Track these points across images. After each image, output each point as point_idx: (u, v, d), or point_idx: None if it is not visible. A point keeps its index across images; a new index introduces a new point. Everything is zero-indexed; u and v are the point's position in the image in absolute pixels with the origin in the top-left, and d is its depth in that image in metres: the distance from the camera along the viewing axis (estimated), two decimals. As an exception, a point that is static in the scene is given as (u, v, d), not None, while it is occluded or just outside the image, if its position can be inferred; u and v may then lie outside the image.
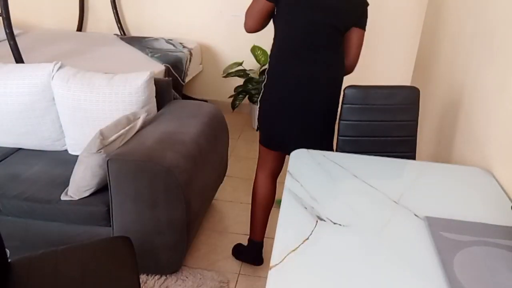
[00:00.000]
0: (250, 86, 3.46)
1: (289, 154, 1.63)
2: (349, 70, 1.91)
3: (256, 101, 3.52)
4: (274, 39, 1.85)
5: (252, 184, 2.10)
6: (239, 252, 2.17)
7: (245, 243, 2.18)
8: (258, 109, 1.95)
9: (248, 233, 2.14)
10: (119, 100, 2.01)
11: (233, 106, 3.51)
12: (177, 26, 3.73)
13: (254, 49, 3.45)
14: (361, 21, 1.83)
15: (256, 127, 1.99)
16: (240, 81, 3.57)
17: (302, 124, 1.85)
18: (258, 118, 1.95)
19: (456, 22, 2.33)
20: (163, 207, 1.77)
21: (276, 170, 2.02)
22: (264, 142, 1.95)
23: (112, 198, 1.78)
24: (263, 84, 1.90)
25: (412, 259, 1.10)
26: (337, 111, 1.88)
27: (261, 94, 1.92)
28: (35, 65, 2.15)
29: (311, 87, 1.79)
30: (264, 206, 2.02)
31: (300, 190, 1.39)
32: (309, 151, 1.68)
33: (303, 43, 1.77)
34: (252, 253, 2.11)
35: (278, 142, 1.91)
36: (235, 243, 2.22)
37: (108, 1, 3.70)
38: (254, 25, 1.81)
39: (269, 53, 1.95)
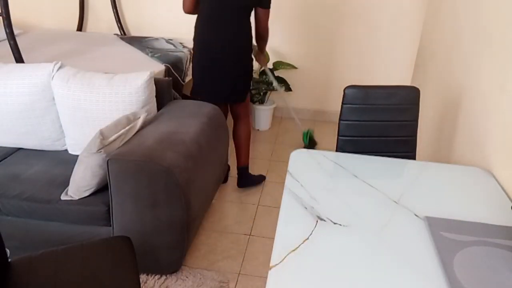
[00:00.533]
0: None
1: (217, 101, 2.42)
2: (262, 38, 2.54)
3: (257, 101, 3.54)
4: (197, 15, 2.41)
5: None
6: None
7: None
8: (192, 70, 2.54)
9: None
10: (119, 100, 2.01)
11: (233, 106, 3.51)
12: (177, 26, 3.73)
13: (254, 49, 3.45)
14: (263, 2, 2.34)
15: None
16: (240, 81, 3.56)
17: (219, 77, 2.43)
18: (192, 76, 2.56)
19: (456, 22, 2.33)
20: (163, 207, 1.77)
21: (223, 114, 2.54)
22: (202, 98, 2.47)
23: (112, 198, 1.78)
24: (192, 49, 2.53)
25: (412, 259, 1.10)
26: (248, 66, 2.49)
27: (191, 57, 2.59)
28: (35, 65, 2.15)
29: (221, 50, 2.37)
30: None
31: (300, 190, 1.39)
32: (309, 151, 1.68)
33: (216, 18, 2.34)
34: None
35: (207, 95, 2.47)
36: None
37: (108, 1, 3.69)
38: (188, 8, 2.37)
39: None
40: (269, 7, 2.37)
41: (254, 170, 2.97)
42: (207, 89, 2.48)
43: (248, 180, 2.74)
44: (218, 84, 2.45)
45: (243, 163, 2.68)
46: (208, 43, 2.39)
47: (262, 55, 2.72)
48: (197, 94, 2.52)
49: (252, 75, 2.55)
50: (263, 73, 3.46)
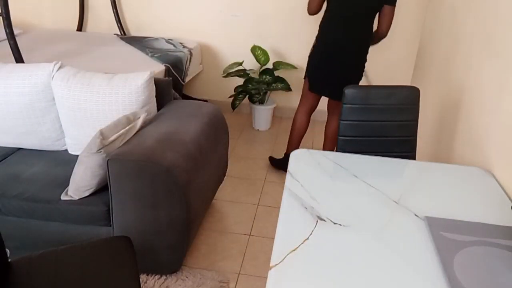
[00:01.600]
0: (250, 86, 3.46)
1: (324, 95, 2.72)
2: (381, 36, 2.55)
3: (256, 101, 3.54)
4: (325, 13, 2.56)
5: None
6: (275, 162, 3.03)
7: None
8: (307, 63, 2.70)
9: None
10: (119, 100, 2.01)
11: (233, 106, 3.51)
12: (177, 26, 3.73)
13: (254, 49, 3.45)
14: (390, 0, 2.43)
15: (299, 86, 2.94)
16: (240, 81, 3.57)
17: (337, 74, 2.57)
18: (307, 68, 2.70)
19: (456, 22, 2.33)
20: (163, 207, 1.77)
21: (312, 107, 2.84)
22: (310, 87, 2.71)
23: (112, 198, 1.78)
24: (313, 46, 2.66)
25: (412, 259, 1.10)
26: (362, 65, 2.62)
27: (310, 52, 2.68)
28: (35, 65, 2.15)
29: (346, 47, 2.52)
30: (299, 132, 2.86)
31: (300, 190, 1.39)
32: (309, 151, 1.68)
33: (342, 17, 2.49)
34: (286, 163, 2.78)
35: (318, 86, 2.70)
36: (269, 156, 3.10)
37: (108, 1, 3.70)
38: (315, 8, 2.51)
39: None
40: (395, 4, 2.45)
41: (254, 169, 2.97)
42: (317, 81, 2.68)
43: None
44: (331, 78, 2.60)
45: None
46: (334, 39, 2.54)
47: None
48: (310, 84, 2.72)
49: (360, 78, 2.66)
50: (263, 73, 3.46)
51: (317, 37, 2.61)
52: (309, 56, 2.68)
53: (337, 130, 2.65)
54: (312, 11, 2.53)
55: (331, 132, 2.83)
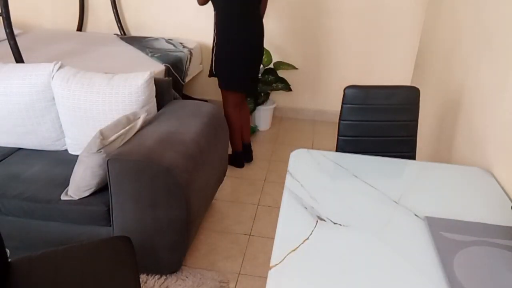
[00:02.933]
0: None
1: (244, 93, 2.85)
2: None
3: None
4: (220, 13, 2.58)
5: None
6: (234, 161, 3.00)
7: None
8: (213, 61, 2.73)
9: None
10: (119, 100, 2.01)
11: (233, 106, 3.50)
12: (177, 26, 3.73)
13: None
14: None
15: (211, 74, 2.84)
16: (240, 81, 3.56)
17: (252, 69, 2.75)
18: (215, 68, 2.74)
19: (456, 22, 2.33)
20: (163, 207, 1.77)
21: (239, 102, 2.87)
22: (239, 88, 2.80)
23: (112, 198, 1.78)
24: (225, 51, 2.65)
25: (412, 259, 1.10)
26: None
27: (214, 51, 2.70)
28: (35, 65, 2.15)
29: (256, 43, 2.69)
30: (237, 129, 2.92)
31: (300, 190, 1.39)
32: (308, 151, 1.68)
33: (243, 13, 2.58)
34: (241, 157, 3.03)
35: (237, 85, 2.78)
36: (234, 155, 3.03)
37: (108, 1, 3.70)
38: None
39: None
40: None
41: (254, 169, 2.97)
42: (244, 81, 2.78)
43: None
44: (255, 77, 2.82)
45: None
46: (243, 37, 2.61)
47: None
48: (232, 87, 2.79)
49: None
50: (265, 73, 3.45)
51: (226, 40, 2.62)
52: (215, 55, 2.70)
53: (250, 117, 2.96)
54: (201, 2, 2.60)
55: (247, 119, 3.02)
